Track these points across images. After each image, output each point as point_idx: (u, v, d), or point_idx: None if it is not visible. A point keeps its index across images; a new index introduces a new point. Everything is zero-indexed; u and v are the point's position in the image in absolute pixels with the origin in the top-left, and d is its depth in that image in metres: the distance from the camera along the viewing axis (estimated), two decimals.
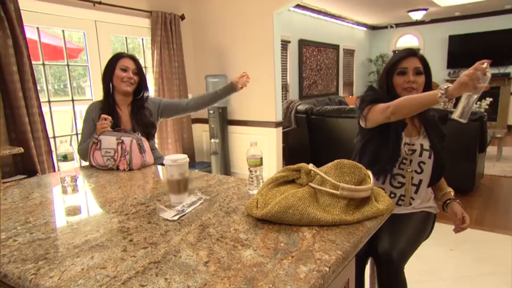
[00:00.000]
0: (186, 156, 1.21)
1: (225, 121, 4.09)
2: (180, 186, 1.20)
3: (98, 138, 1.77)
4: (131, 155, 1.72)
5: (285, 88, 6.06)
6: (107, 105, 1.95)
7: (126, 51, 3.79)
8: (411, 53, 1.54)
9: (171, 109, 2.12)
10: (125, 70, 1.92)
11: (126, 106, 2.00)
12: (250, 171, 1.29)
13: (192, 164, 4.27)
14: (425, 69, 1.54)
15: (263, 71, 3.83)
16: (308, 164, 1.12)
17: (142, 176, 1.64)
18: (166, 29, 3.80)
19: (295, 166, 1.12)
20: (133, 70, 1.94)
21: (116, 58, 1.94)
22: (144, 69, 2.08)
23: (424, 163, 1.53)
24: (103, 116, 1.81)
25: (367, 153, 1.56)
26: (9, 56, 2.51)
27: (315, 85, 7.00)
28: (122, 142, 1.73)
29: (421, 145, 1.54)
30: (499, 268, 2.31)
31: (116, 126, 1.90)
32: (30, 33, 2.90)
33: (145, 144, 1.80)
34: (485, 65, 1.15)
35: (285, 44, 5.96)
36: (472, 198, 3.63)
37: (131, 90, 1.97)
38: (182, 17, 4.01)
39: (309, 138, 4.55)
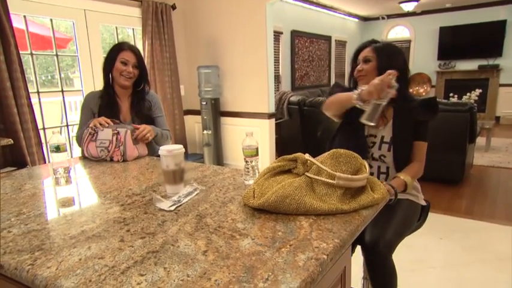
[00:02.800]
0: (181, 146, 1.21)
1: (217, 112, 4.07)
2: (176, 176, 1.20)
3: (94, 129, 1.75)
4: (125, 146, 1.71)
5: (277, 79, 6.04)
6: (107, 95, 1.93)
7: (117, 42, 3.74)
8: (366, 44, 1.60)
9: (154, 122, 2.04)
10: (124, 63, 1.89)
11: (126, 97, 1.99)
12: (246, 161, 1.29)
13: (185, 156, 4.26)
14: (379, 57, 1.52)
15: (256, 62, 3.81)
16: (304, 154, 1.13)
17: (137, 167, 1.63)
18: (158, 19, 3.74)
19: (291, 156, 1.12)
20: (134, 63, 1.92)
21: (117, 50, 1.91)
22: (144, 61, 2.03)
23: (384, 156, 1.55)
24: (105, 120, 1.79)
25: (336, 145, 1.59)
26: None
27: (307, 76, 7.00)
28: (118, 133, 1.72)
29: (382, 137, 1.55)
30: (488, 256, 2.36)
31: (116, 117, 1.90)
32: (17, 22, 2.83)
33: None
34: (390, 77, 1.32)
35: (277, 35, 5.93)
36: (461, 188, 3.69)
37: (129, 85, 1.95)
38: (173, 7, 3.96)
39: (301, 129, 4.56)
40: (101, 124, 1.77)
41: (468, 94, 5.31)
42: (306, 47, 6.81)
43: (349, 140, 1.56)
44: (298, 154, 1.10)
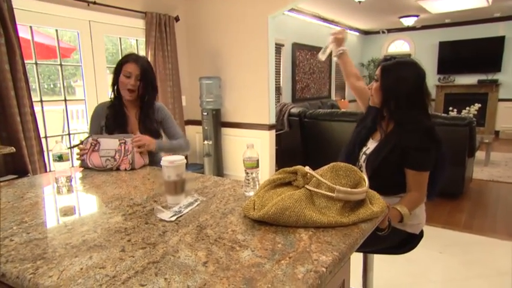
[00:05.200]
0: (183, 157, 1.22)
1: (218, 123, 4.10)
2: (177, 187, 1.21)
3: (96, 140, 1.77)
4: (133, 154, 1.74)
5: (278, 91, 6.09)
6: (114, 106, 1.96)
7: (120, 52, 3.79)
8: (381, 60, 1.59)
9: (165, 131, 2.07)
10: (127, 77, 1.89)
11: (134, 108, 2.00)
12: (247, 173, 1.30)
13: (185, 166, 4.26)
14: (384, 77, 1.50)
15: (257, 74, 3.86)
16: (304, 166, 1.14)
17: (138, 176, 1.64)
18: (161, 30, 3.80)
19: (291, 168, 1.13)
20: (137, 76, 1.90)
21: (121, 62, 1.92)
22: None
23: (361, 166, 1.57)
24: (81, 147, 1.77)
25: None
26: (1, 54, 2.48)
27: (307, 88, 7.05)
28: (125, 142, 1.74)
29: (367, 149, 1.57)
30: (488, 271, 2.36)
31: (124, 127, 1.92)
32: (23, 32, 2.87)
33: None
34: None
35: (278, 47, 6.00)
36: (461, 202, 3.69)
37: (131, 99, 1.96)
38: (177, 19, 4.02)
39: (301, 141, 4.58)
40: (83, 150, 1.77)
41: (468, 108, 5.35)
42: (306, 59, 6.88)
43: (345, 148, 1.63)
44: (299, 167, 1.12)
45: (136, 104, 2.00)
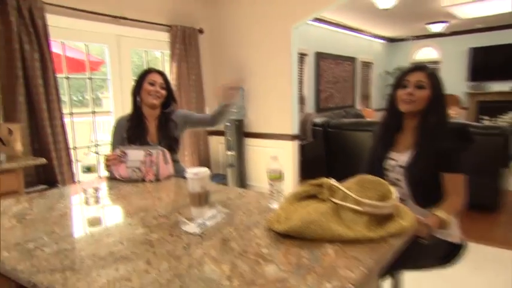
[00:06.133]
0: (207, 169, 1.23)
1: (241, 134, 4.13)
2: (201, 199, 1.21)
3: (124, 151, 1.82)
4: (158, 166, 1.78)
5: (301, 100, 6.08)
6: (135, 117, 2.05)
7: (146, 64, 3.90)
8: (418, 67, 1.54)
9: (196, 122, 2.22)
10: (152, 84, 2.03)
11: (153, 119, 2.08)
12: (271, 185, 1.29)
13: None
14: (433, 85, 1.48)
15: (280, 84, 3.87)
16: (328, 178, 1.13)
17: (163, 188, 1.67)
18: (185, 43, 3.89)
19: (316, 181, 1.12)
20: (161, 84, 2.05)
21: (145, 73, 2.07)
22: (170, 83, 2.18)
23: (398, 180, 1.52)
24: (110, 155, 1.83)
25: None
26: (36, 69, 2.62)
27: (331, 98, 6.99)
28: (150, 154, 1.79)
29: (400, 161, 1.52)
30: None
31: (144, 138, 1.99)
32: (55, 47, 3.01)
33: (168, 155, 1.86)
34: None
35: (301, 56, 6.00)
36: (496, 216, 3.53)
37: (157, 103, 2.05)
38: (201, 31, 4.11)
39: (325, 151, 4.53)
40: (117, 156, 1.82)
41: (502, 116, 5.15)
42: (330, 68, 6.84)
43: (368, 162, 1.59)
44: (324, 179, 1.11)
45: (156, 114, 2.08)
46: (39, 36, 2.62)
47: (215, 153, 4.55)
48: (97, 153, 2.04)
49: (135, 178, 1.77)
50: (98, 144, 3.51)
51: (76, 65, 3.95)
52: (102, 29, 3.24)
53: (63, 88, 3.17)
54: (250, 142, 4.20)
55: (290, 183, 3.85)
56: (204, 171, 1.22)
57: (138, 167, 1.78)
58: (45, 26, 2.67)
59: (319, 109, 6.56)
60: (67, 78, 3.13)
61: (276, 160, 1.28)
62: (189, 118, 2.18)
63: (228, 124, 4.07)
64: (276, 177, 1.28)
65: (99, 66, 4.08)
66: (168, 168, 1.84)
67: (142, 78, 2.05)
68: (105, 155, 1.86)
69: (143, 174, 1.77)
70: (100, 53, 3.92)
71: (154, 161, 1.78)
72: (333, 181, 1.09)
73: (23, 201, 1.48)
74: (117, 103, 3.45)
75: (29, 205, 1.42)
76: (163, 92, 2.06)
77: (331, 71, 6.89)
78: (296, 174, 3.98)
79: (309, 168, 4.68)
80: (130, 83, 3.56)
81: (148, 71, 2.08)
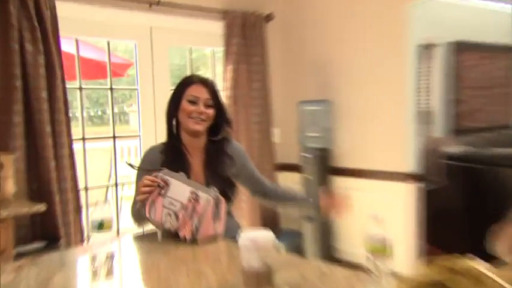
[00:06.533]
0: (271, 234, 1.23)
1: (326, 169, 4.07)
2: (261, 279, 1.21)
3: (167, 179, 1.79)
4: (201, 220, 1.75)
5: (425, 118, 5.84)
6: (172, 148, 2.05)
7: (189, 67, 4.03)
8: None
9: (250, 177, 2.20)
10: (193, 102, 1.99)
11: (198, 151, 2.08)
12: (370, 260, 1.27)
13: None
14: None
15: (387, 95, 3.79)
16: (472, 255, 1.01)
17: (205, 256, 1.67)
18: (246, 35, 3.97)
19: (450, 263, 1.01)
20: (206, 101, 2.01)
21: (183, 85, 2.05)
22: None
23: None
24: (149, 178, 1.81)
25: None
26: (39, 78, 2.81)
27: (478, 113, 6.60)
28: (197, 198, 1.77)
29: None
30: None
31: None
32: (67, 46, 3.23)
33: (224, 207, 1.85)
34: None
35: (427, 49, 5.80)
36: None
37: (202, 130, 2.03)
38: (269, 18, 4.15)
39: (465, 200, 4.25)
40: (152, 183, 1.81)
41: None
42: (476, 66, 6.51)
43: None
44: (465, 261, 0.98)
45: (202, 144, 2.08)
46: (46, 32, 2.84)
47: None
48: (129, 165, 2.02)
49: (167, 226, 1.77)
50: (118, 183, 3.64)
51: (94, 70, 4.23)
52: (129, 19, 3.43)
53: (76, 100, 3.37)
54: (340, 182, 4.12)
55: (404, 256, 3.62)
56: (266, 236, 1.23)
57: (176, 211, 1.76)
58: (54, 18, 2.90)
59: (457, 131, 6.22)
60: (80, 89, 3.33)
61: (378, 222, 1.26)
62: (247, 167, 2.16)
63: (307, 155, 4.01)
64: (379, 249, 1.26)
65: (126, 70, 4.33)
66: (214, 227, 1.81)
67: (179, 92, 2.03)
68: (145, 178, 1.82)
69: (179, 224, 1.75)
70: (128, 52, 4.14)
71: (199, 212, 1.75)
72: (482, 268, 0.95)
73: (8, 271, 1.51)
74: (147, 122, 3.59)
75: (16, 278, 1.45)
76: (211, 113, 2.02)
77: (479, 69, 6.55)
78: (414, 235, 3.75)
79: (436, 226, 4.41)
80: (167, 93, 3.70)
81: (189, 82, 2.06)
